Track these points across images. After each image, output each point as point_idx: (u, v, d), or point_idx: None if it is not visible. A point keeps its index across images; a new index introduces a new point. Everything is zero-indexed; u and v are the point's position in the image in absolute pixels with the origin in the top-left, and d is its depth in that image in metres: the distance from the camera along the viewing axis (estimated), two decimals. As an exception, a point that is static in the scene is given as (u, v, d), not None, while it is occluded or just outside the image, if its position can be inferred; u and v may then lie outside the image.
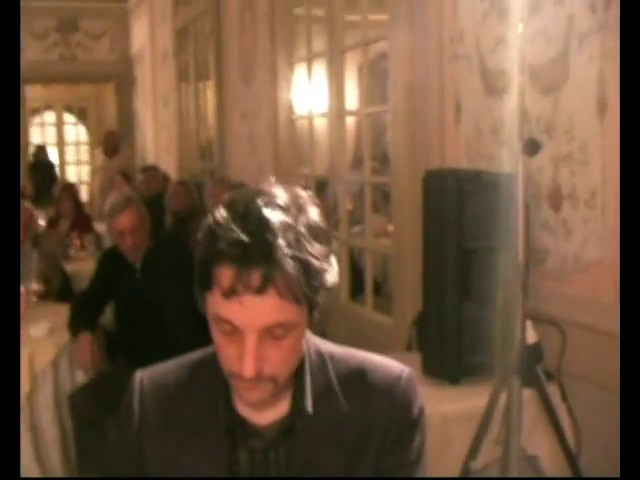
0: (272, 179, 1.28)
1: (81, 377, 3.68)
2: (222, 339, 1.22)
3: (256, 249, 1.15)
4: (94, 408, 3.51)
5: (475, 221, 2.74)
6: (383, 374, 1.34)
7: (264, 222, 1.17)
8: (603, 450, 2.53)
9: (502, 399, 2.56)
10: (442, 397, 2.69)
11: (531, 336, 2.58)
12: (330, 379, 1.33)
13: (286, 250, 1.16)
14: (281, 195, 1.23)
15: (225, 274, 1.17)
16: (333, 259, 1.24)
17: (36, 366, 3.41)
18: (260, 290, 1.15)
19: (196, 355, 1.41)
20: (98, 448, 3.57)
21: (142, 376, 1.40)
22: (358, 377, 1.34)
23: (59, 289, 4.68)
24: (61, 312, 3.85)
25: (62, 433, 3.52)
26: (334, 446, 1.30)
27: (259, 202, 1.20)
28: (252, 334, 1.18)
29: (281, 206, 1.20)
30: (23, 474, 3.21)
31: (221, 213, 1.21)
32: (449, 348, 2.80)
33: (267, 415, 1.31)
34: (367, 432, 1.31)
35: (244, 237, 1.16)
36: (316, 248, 1.20)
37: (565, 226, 2.79)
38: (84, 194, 10.40)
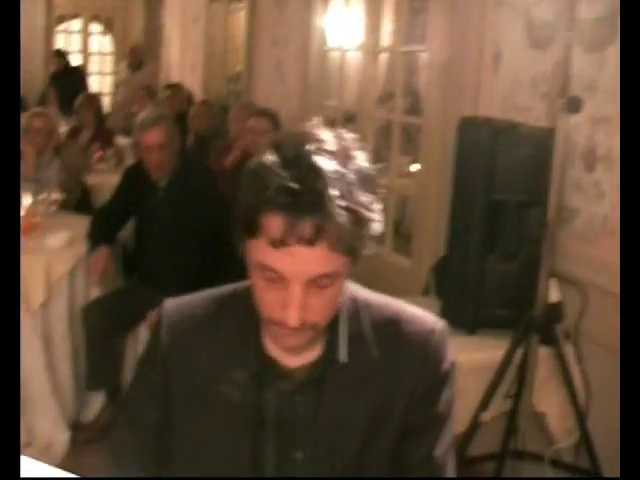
0: (317, 121, 1.24)
1: (96, 291, 3.69)
2: (264, 285, 1.20)
3: (307, 198, 1.12)
4: (106, 322, 3.53)
5: (507, 173, 2.71)
6: (417, 326, 1.33)
7: (316, 170, 1.13)
8: (613, 413, 2.54)
9: (517, 354, 2.57)
10: (458, 347, 2.67)
11: (553, 295, 2.57)
12: (364, 328, 1.31)
13: (338, 200, 1.13)
14: (330, 140, 1.19)
15: (274, 223, 1.13)
16: (379, 208, 1.21)
17: (52, 276, 3.42)
18: (311, 241, 1.12)
19: (226, 290, 1.39)
20: (108, 363, 3.62)
21: (171, 306, 1.38)
22: (392, 327, 1.32)
23: (78, 201, 4.66)
24: (80, 223, 3.84)
25: (74, 345, 3.54)
26: (363, 395, 1.29)
27: (309, 148, 1.16)
28: (298, 284, 1.16)
29: (331, 153, 1.17)
30: (33, 383, 3.25)
31: (269, 157, 1.16)
32: (469, 298, 2.79)
33: (298, 359, 1.30)
34: (397, 383, 1.30)
35: (295, 185, 1.12)
36: (366, 197, 1.17)
37: (597, 188, 2.76)
38: (106, 105, 10.31)
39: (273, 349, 1.30)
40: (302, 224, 1.12)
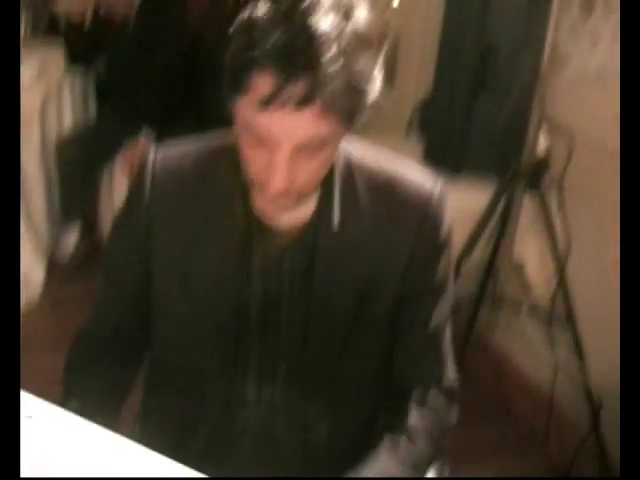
0: None
1: (68, 121, 3.58)
2: (251, 147, 1.12)
3: (299, 59, 1.02)
4: (80, 156, 3.45)
5: (501, 14, 2.59)
6: (414, 191, 1.26)
7: (311, 27, 1.03)
8: (591, 264, 2.56)
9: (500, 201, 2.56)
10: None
11: (541, 142, 2.52)
12: (358, 192, 1.25)
13: (333, 60, 1.03)
14: None
15: (264, 81, 1.04)
16: (378, 70, 1.11)
17: (23, 109, 3.29)
18: (302, 103, 1.04)
19: (214, 144, 1.31)
20: (82, 195, 3.56)
21: (156, 155, 1.30)
22: (388, 192, 1.26)
23: (47, 26, 4.43)
24: (51, 51, 3.66)
25: (47, 181, 3.47)
26: (355, 263, 1.24)
27: (306, 2, 1.05)
28: (286, 148, 1.08)
29: (329, 8, 1.06)
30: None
31: (261, 9, 1.06)
32: (454, 138, 2.72)
33: (287, 219, 1.24)
34: (392, 252, 1.25)
35: (288, 42, 1.03)
36: (364, 58, 1.07)
37: (593, 33, 2.65)
38: None
39: (261, 210, 1.24)
40: (292, 85, 1.03)
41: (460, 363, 1.40)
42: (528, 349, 2.80)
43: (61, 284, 3.45)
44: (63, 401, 1.30)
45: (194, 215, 1.26)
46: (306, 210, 1.24)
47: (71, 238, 3.64)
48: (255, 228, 1.24)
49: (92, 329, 1.40)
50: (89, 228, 3.65)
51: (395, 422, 1.29)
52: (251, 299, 1.26)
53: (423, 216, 1.25)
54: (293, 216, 1.23)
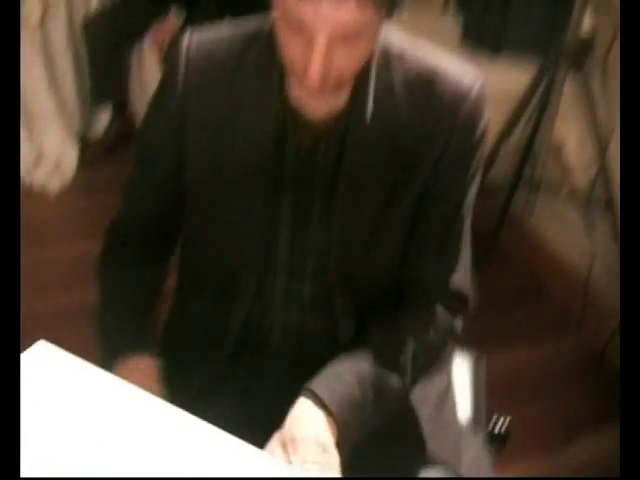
0: None
1: (96, 2, 3.49)
2: (288, 34, 1.08)
3: None
4: (108, 35, 3.36)
5: None
6: (453, 86, 1.21)
7: None
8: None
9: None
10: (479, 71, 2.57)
11: (586, 21, 2.42)
12: (394, 83, 1.20)
13: None
14: None
15: None
16: None
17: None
18: None
19: (251, 26, 1.26)
20: (112, 75, 3.50)
21: (191, 39, 1.26)
22: (425, 85, 1.21)
23: None
24: None
25: (77, 62, 3.41)
26: (387, 154, 1.21)
27: None
28: (324, 35, 1.04)
29: None
30: (37, 100, 3.17)
31: None
32: (495, 15, 2.61)
33: (321, 109, 1.20)
34: (425, 146, 1.21)
35: None
36: None
37: None
38: None
39: (295, 97, 1.21)
40: None
41: (495, 245, 1.37)
42: (565, 233, 2.76)
43: (94, 167, 3.44)
44: (101, 309, 1.34)
45: (228, 102, 1.23)
46: (341, 100, 1.20)
47: (103, 117, 3.60)
48: (289, 117, 1.21)
49: (124, 219, 1.38)
50: (120, 108, 3.60)
51: (390, 323, 1.28)
52: (282, 188, 1.24)
53: (460, 111, 1.20)
54: (328, 105, 1.20)
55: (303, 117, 1.21)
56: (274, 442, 1.13)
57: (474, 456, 1.37)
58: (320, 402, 1.17)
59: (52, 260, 2.87)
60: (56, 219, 3.14)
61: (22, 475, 0.84)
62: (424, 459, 1.29)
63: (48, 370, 1.02)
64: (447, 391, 1.45)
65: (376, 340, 1.26)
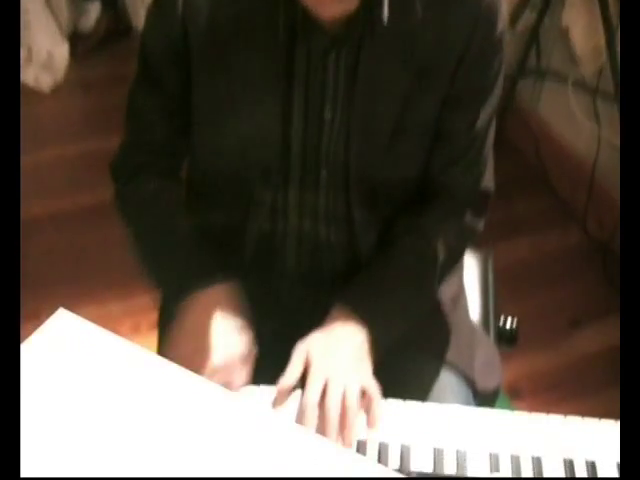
0: None
1: None
2: None
3: None
4: None
5: None
6: None
7: None
8: None
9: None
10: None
11: None
12: None
13: None
14: None
15: None
16: None
17: None
18: None
19: None
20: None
21: None
22: None
23: None
24: None
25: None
26: (405, 57, 1.15)
27: None
28: None
29: None
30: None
31: None
32: None
33: (334, 8, 1.12)
34: (444, 48, 1.15)
35: None
36: None
37: None
38: None
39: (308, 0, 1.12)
40: None
41: (499, 135, 1.34)
42: (571, 124, 2.70)
43: (86, 64, 3.36)
44: (144, 250, 1.27)
45: (233, 4, 1.15)
46: (355, 2, 1.12)
47: (92, 11, 3.49)
48: (300, 22, 1.14)
49: (133, 147, 1.33)
50: (109, 1, 3.49)
51: (417, 228, 1.27)
52: (294, 93, 1.18)
53: (477, 14, 1.14)
54: (341, 6, 1.12)
55: (315, 20, 1.14)
56: (299, 356, 1.12)
57: (484, 359, 1.37)
58: (353, 312, 1.16)
59: (51, 161, 2.83)
60: (51, 119, 3.08)
61: (47, 454, 0.83)
62: (442, 364, 1.29)
63: (69, 342, 0.98)
64: (460, 293, 1.44)
65: (404, 247, 1.25)
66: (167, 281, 1.24)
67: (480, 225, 1.31)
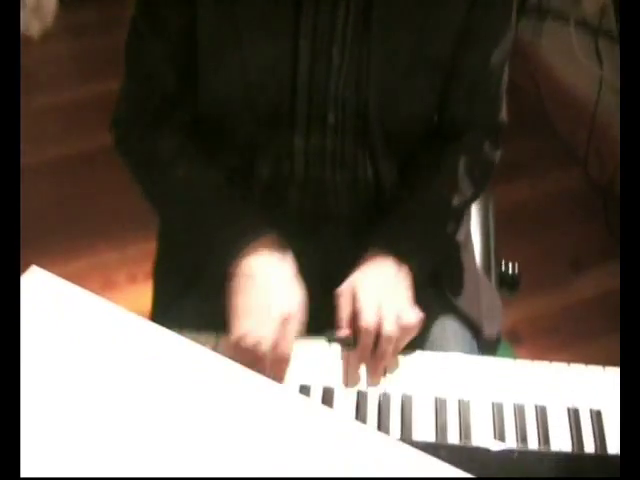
0: None
1: None
2: None
3: None
4: None
5: None
6: None
7: None
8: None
9: None
10: None
11: None
12: None
13: None
14: None
15: None
16: None
17: None
18: None
19: None
20: None
21: None
22: None
23: None
24: None
25: None
26: (410, 22, 1.13)
27: None
28: None
29: None
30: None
31: None
32: None
33: None
34: None
35: None
36: None
37: None
38: None
39: None
40: None
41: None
42: (573, 64, 2.65)
43: (75, 9, 3.27)
44: (177, 211, 1.23)
45: None
46: None
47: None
48: None
49: (136, 94, 1.26)
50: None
51: (440, 164, 1.27)
52: (300, 42, 1.15)
53: None
54: None
55: None
56: (346, 297, 1.11)
57: (488, 304, 1.36)
58: (390, 250, 1.16)
59: (43, 109, 2.78)
60: (41, 65, 3.02)
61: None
62: (448, 310, 1.28)
63: (43, 300, 0.94)
64: (467, 238, 1.43)
65: (431, 184, 1.25)
66: (215, 240, 1.18)
67: (497, 157, 1.31)
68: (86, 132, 2.52)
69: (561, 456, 1.02)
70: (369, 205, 1.29)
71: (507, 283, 1.59)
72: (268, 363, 1.04)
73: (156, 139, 1.24)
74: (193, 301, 1.27)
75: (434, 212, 1.25)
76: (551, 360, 1.13)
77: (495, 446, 1.01)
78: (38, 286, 0.95)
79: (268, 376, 0.97)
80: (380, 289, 1.11)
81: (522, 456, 1.00)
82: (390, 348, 1.07)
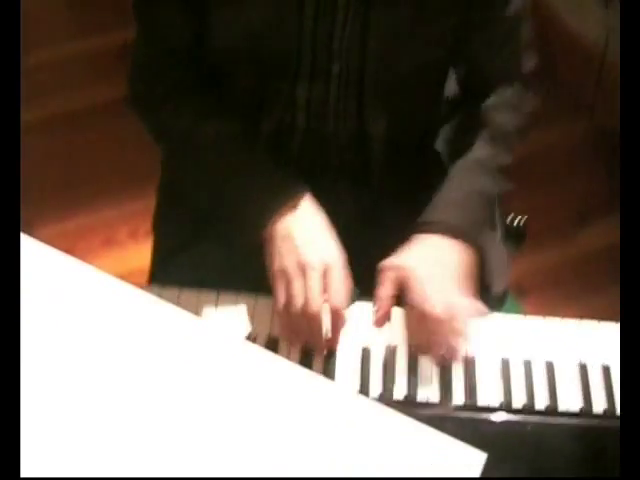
0: None
1: None
2: None
3: None
4: None
5: None
6: None
7: None
8: None
9: None
10: None
11: None
12: None
13: None
14: None
15: None
16: None
17: None
18: None
19: None
20: None
21: None
22: None
23: None
24: None
25: None
26: None
27: None
28: None
29: None
30: None
31: None
32: None
33: None
34: None
35: None
36: None
37: None
38: None
39: None
40: None
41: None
42: (580, 10, 2.59)
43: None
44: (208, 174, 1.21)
45: None
46: None
47: None
48: None
49: (153, 51, 1.25)
50: None
51: (473, 121, 1.26)
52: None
53: None
54: None
55: None
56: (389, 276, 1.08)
57: (495, 259, 1.33)
58: (451, 232, 1.14)
59: (39, 63, 2.73)
60: (35, 20, 2.96)
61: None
62: None
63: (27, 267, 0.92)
64: None
65: (479, 143, 1.23)
66: (252, 203, 1.16)
67: (537, 106, 1.30)
68: (83, 87, 2.48)
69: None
70: (370, 158, 1.28)
71: (513, 236, 1.57)
72: (323, 322, 1.03)
73: (177, 98, 1.23)
74: (194, 255, 1.26)
75: (490, 179, 1.24)
76: (557, 314, 1.11)
77: (500, 416, 1.00)
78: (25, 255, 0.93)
79: (325, 336, 1.00)
80: (436, 276, 1.09)
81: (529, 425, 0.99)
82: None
